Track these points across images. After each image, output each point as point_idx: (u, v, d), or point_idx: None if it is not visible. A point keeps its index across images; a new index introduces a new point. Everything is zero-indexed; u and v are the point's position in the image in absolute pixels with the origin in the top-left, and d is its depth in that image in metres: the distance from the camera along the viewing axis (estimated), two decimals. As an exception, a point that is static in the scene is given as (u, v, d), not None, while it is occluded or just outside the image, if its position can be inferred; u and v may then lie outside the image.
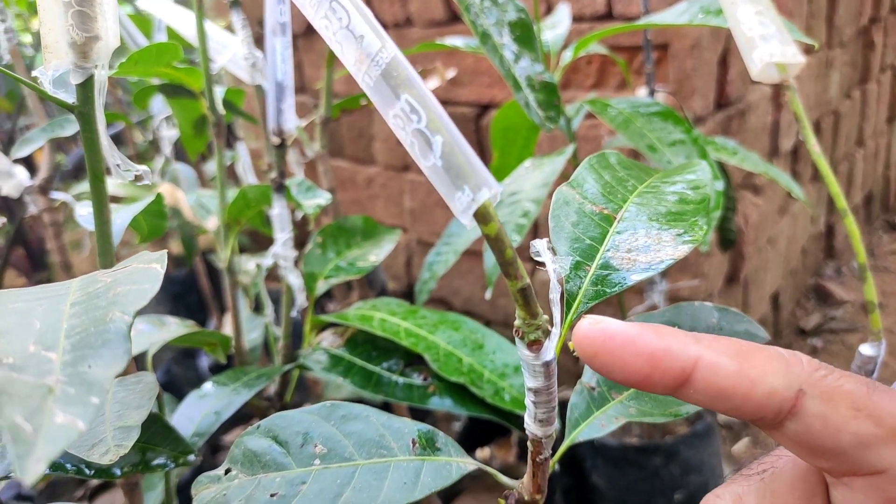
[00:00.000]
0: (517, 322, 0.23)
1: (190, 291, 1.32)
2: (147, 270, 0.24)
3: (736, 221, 1.24)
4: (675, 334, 0.23)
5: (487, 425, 1.03)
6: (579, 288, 0.29)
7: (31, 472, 0.16)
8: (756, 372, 0.22)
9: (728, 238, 0.92)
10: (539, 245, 0.29)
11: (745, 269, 1.31)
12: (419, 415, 1.24)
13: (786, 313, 1.61)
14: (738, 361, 0.22)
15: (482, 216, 0.21)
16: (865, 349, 0.52)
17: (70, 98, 0.34)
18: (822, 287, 1.73)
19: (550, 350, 0.24)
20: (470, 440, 1.05)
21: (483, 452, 0.90)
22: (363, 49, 0.21)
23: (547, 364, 0.24)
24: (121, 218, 0.41)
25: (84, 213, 0.41)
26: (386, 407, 1.02)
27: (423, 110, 0.21)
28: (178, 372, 1.17)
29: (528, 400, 0.25)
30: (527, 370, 0.24)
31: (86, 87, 0.33)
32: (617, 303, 1.05)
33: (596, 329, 0.23)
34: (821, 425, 0.22)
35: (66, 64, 0.32)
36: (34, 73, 0.32)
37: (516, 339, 0.23)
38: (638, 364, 0.22)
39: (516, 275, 0.22)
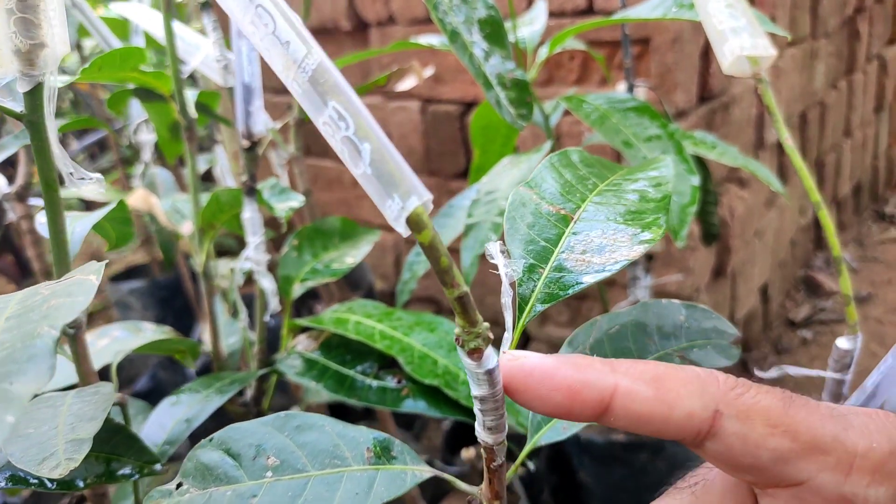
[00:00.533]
0: (457, 330, 0.23)
1: (176, 296, 1.32)
2: (82, 283, 0.23)
3: (720, 215, 1.23)
4: (592, 365, 0.24)
5: (472, 427, 1.03)
6: (532, 291, 0.29)
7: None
8: (672, 396, 0.23)
9: (711, 232, 0.91)
10: (492, 248, 0.29)
11: (732, 263, 1.31)
12: (407, 417, 1.24)
13: (775, 305, 1.61)
14: (654, 387, 0.23)
15: (415, 224, 0.20)
16: (842, 342, 0.52)
17: (18, 107, 0.33)
18: (811, 278, 1.73)
19: (493, 357, 0.23)
20: (457, 439, 1.05)
21: (469, 452, 0.89)
22: (290, 55, 0.21)
23: (490, 372, 0.23)
24: (81, 226, 0.40)
25: (43, 221, 0.40)
26: (369, 411, 1.01)
27: (351, 117, 0.20)
28: (163, 377, 1.16)
29: (476, 408, 0.25)
30: (471, 378, 0.24)
31: (34, 96, 0.33)
32: (600, 299, 1.04)
33: (515, 366, 0.24)
34: (740, 444, 0.22)
35: (11, 72, 0.31)
36: (-21, 82, 0.32)
37: (458, 348, 0.23)
38: (558, 398, 0.23)
39: (452, 283, 0.21)
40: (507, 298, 0.27)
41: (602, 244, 0.30)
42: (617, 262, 0.29)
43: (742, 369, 1.42)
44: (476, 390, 0.24)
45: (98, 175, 0.35)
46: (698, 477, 0.26)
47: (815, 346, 1.51)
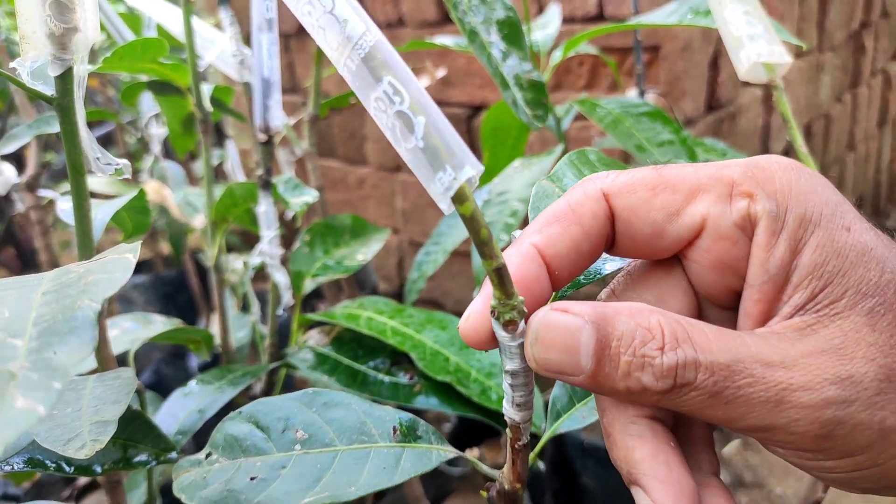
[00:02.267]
0: (493, 302, 0.23)
1: (180, 291, 1.32)
2: (119, 260, 0.24)
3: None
4: (507, 255, 0.25)
5: (477, 427, 1.03)
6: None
7: (-11, 459, 0.15)
8: (572, 214, 0.25)
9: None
10: (518, 234, 0.29)
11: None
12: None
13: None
14: (557, 221, 0.25)
15: (458, 197, 0.21)
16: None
17: (49, 90, 0.34)
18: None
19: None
20: (459, 441, 1.05)
21: (472, 452, 0.90)
22: (346, 33, 0.21)
23: (523, 345, 0.23)
24: (102, 213, 0.41)
25: (65, 207, 0.41)
26: (366, 399, 1.01)
27: (406, 92, 0.21)
28: (167, 372, 1.16)
29: (506, 383, 0.25)
30: (503, 352, 0.24)
31: (65, 79, 0.33)
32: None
33: (471, 322, 0.25)
34: (634, 215, 0.24)
35: (44, 55, 0.32)
36: (12, 65, 0.32)
37: (492, 320, 0.23)
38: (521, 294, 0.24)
39: (491, 255, 0.22)
40: (533, 286, 0.28)
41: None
42: (638, 254, 0.29)
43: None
44: (508, 364, 0.24)
45: (125, 161, 0.35)
46: (629, 262, 0.28)
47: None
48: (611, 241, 0.26)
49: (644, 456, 0.23)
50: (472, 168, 0.20)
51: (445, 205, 0.21)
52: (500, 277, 0.22)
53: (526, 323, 0.24)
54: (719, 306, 0.26)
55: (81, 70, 0.34)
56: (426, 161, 0.21)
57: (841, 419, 0.21)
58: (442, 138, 0.21)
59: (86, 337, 0.20)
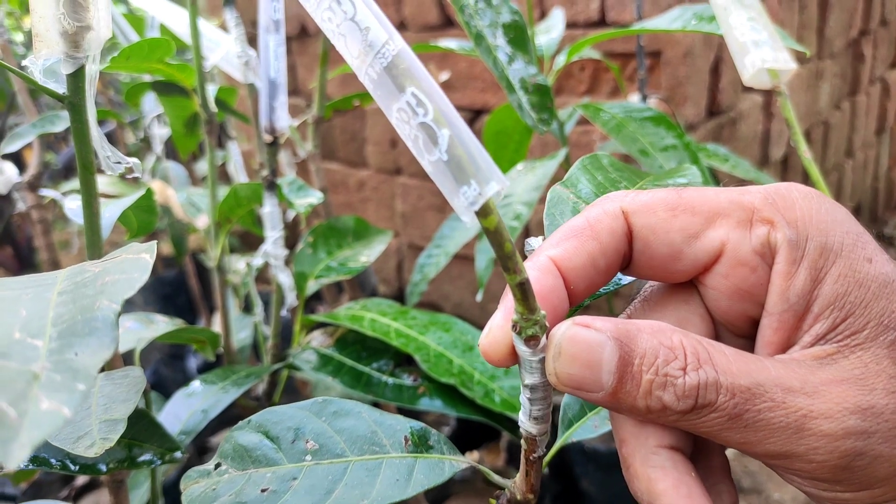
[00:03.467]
0: (515, 317, 0.23)
1: (179, 292, 1.31)
2: (136, 260, 0.23)
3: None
4: (527, 268, 0.24)
5: (477, 430, 1.03)
6: (573, 286, 0.29)
7: (15, 458, 0.15)
8: (590, 230, 0.25)
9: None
10: (535, 243, 0.29)
11: (735, 277, 1.31)
12: (411, 417, 1.24)
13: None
14: (575, 236, 0.25)
15: (482, 210, 0.21)
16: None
17: (60, 89, 0.33)
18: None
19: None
20: (459, 444, 1.05)
21: (472, 456, 0.89)
22: (368, 41, 0.21)
23: (543, 360, 0.23)
24: (110, 212, 0.40)
25: (73, 206, 0.40)
26: (376, 408, 1.01)
27: (430, 103, 0.20)
28: (166, 373, 1.16)
29: (524, 397, 0.25)
30: (524, 366, 0.24)
31: (77, 78, 0.33)
32: (607, 308, 1.05)
33: (492, 339, 0.24)
34: (652, 234, 0.24)
35: (56, 53, 0.32)
36: (24, 63, 0.32)
37: (513, 335, 0.23)
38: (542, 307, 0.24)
39: (515, 269, 0.21)
40: (549, 292, 0.28)
41: (640, 243, 0.30)
42: (655, 261, 0.29)
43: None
44: (528, 379, 0.24)
45: (135, 160, 0.35)
46: (646, 289, 0.28)
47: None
48: (628, 259, 0.26)
49: (666, 487, 0.23)
50: (498, 183, 0.20)
51: (468, 218, 0.20)
52: (524, 292, 0.22)
53: (546, 337, 0.23)
54: (736, 334, 0.26)
55: (93, 69, 0.34)
56: (450, 174, 0.20)
57: (861, 450, 0.21)
58: (467, 152, 0.20)
59: (106, 338, 0.20)
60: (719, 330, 0.26)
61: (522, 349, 0.23)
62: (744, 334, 0.26)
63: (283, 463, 0.28)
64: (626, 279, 0.29)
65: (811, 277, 0.23)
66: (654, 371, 0.22)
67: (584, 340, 0.22)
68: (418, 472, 0.28)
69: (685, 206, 0.24)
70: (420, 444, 0.29)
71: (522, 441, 0.26)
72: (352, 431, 0.29)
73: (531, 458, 0.27)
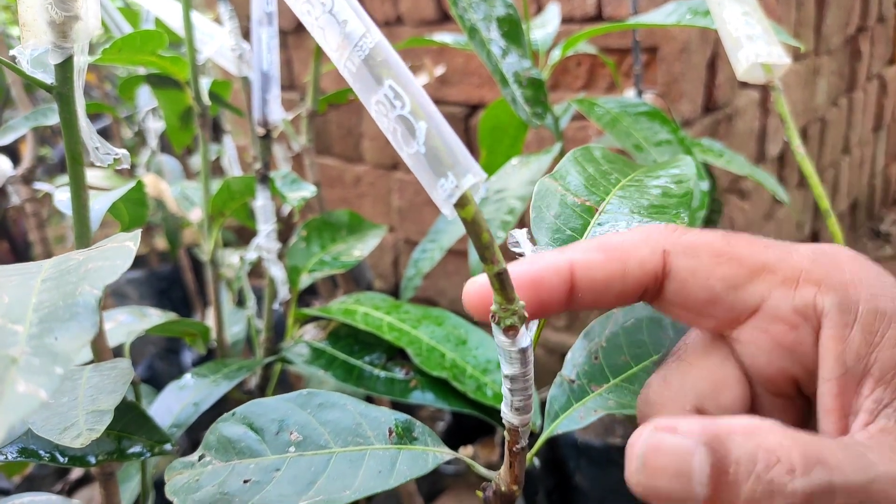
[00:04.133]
0: (493, 307, 0.23)
1: (174, 287, 1.31)
2: (120, 248, 0.23)
3: (722, 225, 1.24)
4: (543, 255, 0.25)
5: (471, 425, 1.03)
6: (559, 277, 0.29)
7: (-10, 442, 0.15)
8: (621, 252, 0.24)
9: (713, 240, 0.92)
10: (518, 235, 0.29)
11: (731, 274, 1.31)
12: (405, 412, 1.24)
13: (770, 318, 1.61)
14: (604, 251, 0.25)
15: (460, 201, 0.21)
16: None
17: (48, 79, 0.33)
18: (806, 293, 1.74)
19: (527, 336, 0.23)
20: (453, 439, 1.05)
21: (466, 450, 0.90)
22: (346, 34, 0.21)
23: (523, 350, 0.23)
24: (100, 204, 0.40)
25: (63, 198, 0.40)
26: (369, 403, 1.01)
27: (407, 96, 0.20)
28: (160, 367, 1.16)
29: (505, 388, 0.25)
30: (503, 357, 0.24)
31: (65, 68, 0.33)
32: (596, 311, 1.05)
33: (479, 286, 0.25)
34: (691, 277, 0.24)
35: (44, 43, 0.32)
36: (12, 52, 0.32)
37: (492, 325, 0.23)
38: (525, 294, 0.24)
39: (492, 259, 0.21)
40: (534, 283, 0.28)
41: (628, 234, 0.30)
42: (643, 252, 0.29)
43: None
44: (507, 369, 0.24)
45: (124, 151, 0.35)
46: (679, 347, 0.27)
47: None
48: (650, 294, 0.25)
49: None
50: (475, 176, 0.20)
51: (448, 210, 0.20)
52: (502, 282, 0.22)
53: (526, 327, 0.23)
54: (775, 394, 0.26)
55: (81, 59, 0.34)
56: (428, 166, 0.21)
57: None
58: (444, 144, 0.21)
59: (87, 323, 0.20)
60: (757, 391, 0.26)
61: (501, 339, 0.23)
62: (783, 393, 0.25)
63: (267, 454, 0.28)
64: None
65: (866, 341, 0.22)
66: (756, 479, 0.20)
67: (670, 450, 0.20)
68: (401, 463, 0.28)
69: (732, 255, 0.24)
70: (404, 436, 0.29)
71: (505, 432, 0.26)
72: (336, 423, 0.29)
73: (514, 448, 0.27)
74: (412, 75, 0.21)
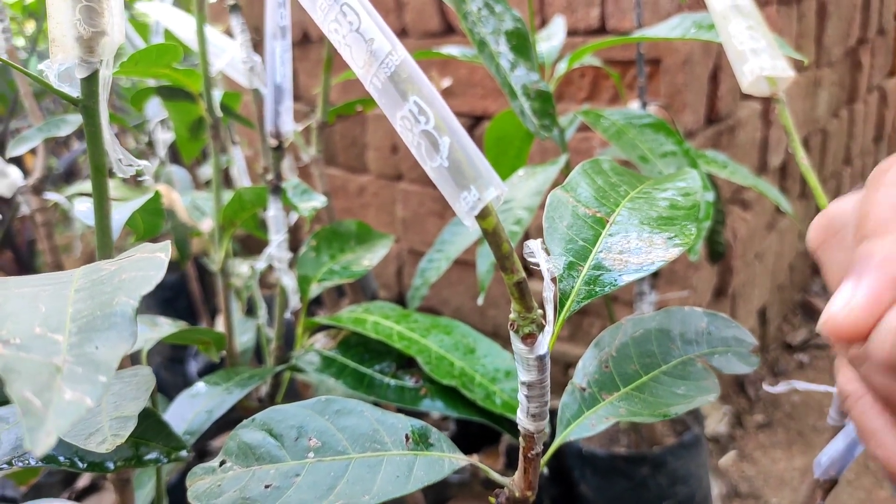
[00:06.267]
0: (512, 315, 0.23)
1: (180, 296, 1.32)
2: (151, 258, 0.24)
3: (725, 235, 1.25)
4: None
5: (475, 434, 1.04)
6: (572, 287, 0.30)
7: (42, 444, 0.16)
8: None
9: (717, 251, 0.93)
10: (533, 245, 0.30)
11: (734, 283, 1.32)
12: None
13: (773, 328, 1.62)
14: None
15: (482, 213, 0.21)
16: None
17: (74, 92, 0.34)
18: (809, 303, 1.75)
19: (544, 344, 0.24)
20: (458, 447, 1.05)
21: (473, 458, 0.90)
22: (372, 51, 0.22)
23: (540, 358, 0.24)
24: (119, 214, 0.41)
25: (83, 208, 0.41)
26: (378, 407, 1.02)
27: (431, 111, 0.21)
28: (166, 377, 1.16)
29: (521, 394, 0.25)
30: (520, 364, 0.25)
31: (91, 82, 0.34)
32: (606, 314, 1.05)
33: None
34: None
35: (71, 58, 0.32)
36: (40, 67, 0.33)
37: (511, 333, 0.24)
38: None
39: (513, 269, 0.22)
40: (548, 293, 0.28)
41: (639, 246, 0.31)
42: (654, 263, 0.30)
43: (738, 389, 1.43)
44: (525, 376, 0.25)
45: (145, 163, 0.36)
46: None
47: (812, 370, 1.52)
48: None
49: None
50: (497, 189, 0.21)
51: (469, 221, 0.21)
52: (521, 291, 0.23)
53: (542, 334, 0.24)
54: None
55: (106, 73, 0.34)
56: (451, 180, 0.21)
57: None
58: (467, 158, 0.21)
59: (125, 333, 0.20)
60: None
61: (519, 347, 0.24)
62: None
63: (287, 460, 0.29)
64: (623, 281, 0.30)
65: None
66: None
67: None
68: (418, 468, 0.28)
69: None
70: (420, 442, 0.30)
71: (521, 438, 0.27)
72: (354, 429, 0.30)
73: (529, 455, 0.27)
74: (436, 92, 0.22)
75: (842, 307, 0.22)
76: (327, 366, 0.55)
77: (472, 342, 0.57)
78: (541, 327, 0.24)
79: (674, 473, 0.87)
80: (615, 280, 0.30)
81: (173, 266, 1.38)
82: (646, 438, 0.92)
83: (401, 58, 0.22)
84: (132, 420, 0.31)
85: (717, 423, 1.33)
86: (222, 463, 0.30)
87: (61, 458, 0.37)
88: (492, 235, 0.22)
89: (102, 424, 0.31)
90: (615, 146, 0.68)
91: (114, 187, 0.92)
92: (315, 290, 0.63)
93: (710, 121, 1.20)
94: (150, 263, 0.24)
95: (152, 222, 0.57)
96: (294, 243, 0.89)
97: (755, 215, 1.37)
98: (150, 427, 0.41)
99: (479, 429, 0.78)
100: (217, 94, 0.65)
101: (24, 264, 1.82)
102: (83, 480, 1.03)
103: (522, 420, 0.27)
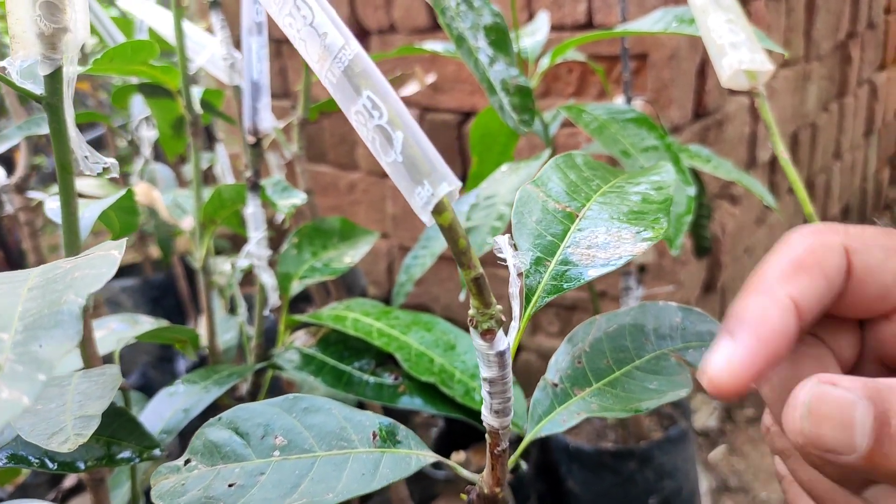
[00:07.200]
0: (471, 311, 0.23)
1: (167, 295, 1.31)
2: (105, 256, 0.24)
3: (713, 230, 1.25)
4: (764, 321, 0.23)
5: (464, 431, 1.04)
6: (539, 283, 0.30)
7: (-27, 445, 0.16)
8: (819, 266, 0.24)
9: (703, 245, 0.93)
10: (501, 241, 0.30)
11: (723, 278, 1.32)
12: (397, 419, 1.24)
13: (763, 323, 1.62)
14: (805, 272, 0.24)
15: (437, 208, 0.21)
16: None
17: (38, 89, 0.34)
18: (799, 297, 1.75)
19: (504, 340, 0.24)
20: (446, 445, 1.05)
21: (459, 456, 0.90)
22: (326, 45, 0.21)
23: (501, 354, 0.24)
24: (90, 212, 0.41)
25: (53, 206, 0.41)
26: (361, 408, 1.02)
27: (384, 106, 0.21)
28: (154, 376, 1.16)
29: (484, 391, 0.25)
30: (482, 360, 0.24)
31: (54, 79, 0.34)
32: (592, 309, 1.05)
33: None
34: (867, 275, 0.24)
35: (33, 55, 0.32)
36: (1, 64, 0.33)
37: (471, 329, 0.24)
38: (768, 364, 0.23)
39: (469, 264, 0.22)
40: (514, 289, 0.28)
41: (607, 241, 0.31)
42: (621, 258, 0.30)
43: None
44: (486, 372, 0.24)
45: (112, 160, 0.36)
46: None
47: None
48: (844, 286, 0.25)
49: None
50: (449, 185, 0.21)
51: (426, 217, 0.21)
52: (479, 287, 0.22)
53: (504, 332, 0.24)
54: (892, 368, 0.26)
55: (70, 70, 0.34)
56: (406, 174, 0.21)
57: None
58: (421, 153, 0.21)
59: (70, 331, 0.20)
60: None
61: (479, 343, 0.24)
62: None
63: (252, 458, 0.28)
64: (590, 276, 0.29)
65: None
66: None
67: (834, 401, 0.21)
68: (384, 466, 0.28)
69: None
70: (388, 440, 0.29)
71: (486, 435, 0.27)
72: (321, 427, 0.29)
73: (495, 451, 0.27)
74: (390, 86, 0.22)
75: (719, 363, 0.23)
76: (306, 363, 0.55)
77: (452, 339, 0.57)
78: (500, 323, 0.23)
79: (661, 468, 0.87)
80: (582, 275, 0.30)
81: (159, 265, 1.38)
82: (633, 433, 0.92)
83: (354, 52, 0.22)
84: (95, 419, 0.30)
85: (706, 417, 1.33)
86: (187, 462, 0.29)
87: (31, 458, 0.37)
88: (448, 231, 0.22)
89: (66, 424, 0.31)
90: (597, 141, 0.68)
91: (97, 186, 0.91)
92: (296, 287, 0.62)
93: (697, 115, 1.20)
94: (103, 261, 0.24)
95: (127, 220, 0.57)
96: (278, 240, 0.88)
97: (744, 210, 1.37)
98: (122, 426, 0.40)
99: (469, 426, 0.78)
100: (197, 92, 0.65)
101: (14, 264, 1.81)
102: (69, 480, 1.03)
103: (487, 416, 0.26)
